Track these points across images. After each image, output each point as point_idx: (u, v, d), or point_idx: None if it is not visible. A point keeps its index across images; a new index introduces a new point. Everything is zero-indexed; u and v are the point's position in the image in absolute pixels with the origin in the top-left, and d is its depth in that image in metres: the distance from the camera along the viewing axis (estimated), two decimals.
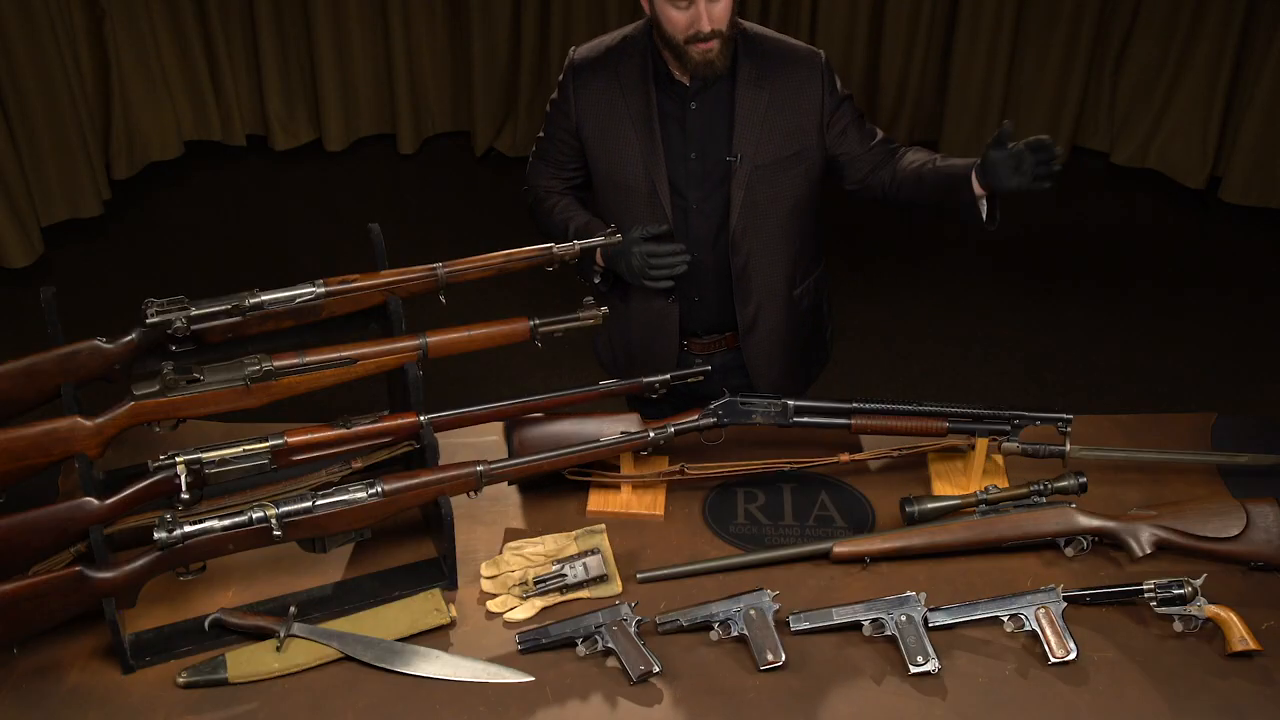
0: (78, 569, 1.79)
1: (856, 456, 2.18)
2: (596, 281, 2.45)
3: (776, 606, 1.91)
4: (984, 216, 2.22)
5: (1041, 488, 2.07)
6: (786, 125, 2.35)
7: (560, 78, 2.42)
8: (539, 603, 1.97)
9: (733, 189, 2.36)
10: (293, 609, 1.90)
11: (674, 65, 2.30)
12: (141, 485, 1.89)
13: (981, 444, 2.19)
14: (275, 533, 1.84)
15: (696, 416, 2.16)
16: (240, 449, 1.93)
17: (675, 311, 2.48)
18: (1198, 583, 1.93)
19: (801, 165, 2.39)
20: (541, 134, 2.50)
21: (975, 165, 2.18)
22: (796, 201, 2.42)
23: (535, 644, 1.88)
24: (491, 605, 1.98)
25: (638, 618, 1.89)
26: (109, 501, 1.88)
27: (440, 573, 2.02)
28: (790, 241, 2.45)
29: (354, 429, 1.98)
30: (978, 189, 2.19)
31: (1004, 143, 2.11)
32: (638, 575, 2.02)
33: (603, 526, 2.10)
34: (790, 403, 2.18)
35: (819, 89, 2.35)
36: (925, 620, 1.90)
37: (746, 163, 2.34)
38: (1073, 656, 1.87)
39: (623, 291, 2.50)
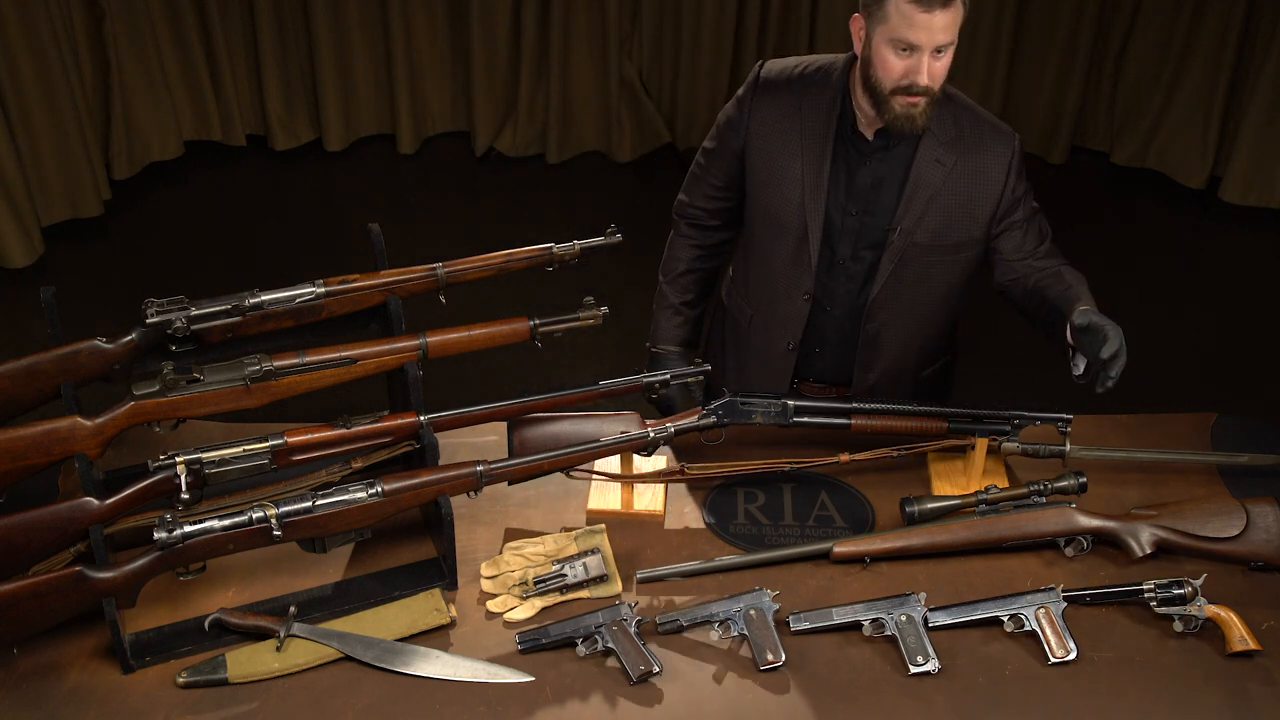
0: (78, 569, 1.78)
1: (856, 456, 2.18)
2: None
3: (776, 606, 1.91)
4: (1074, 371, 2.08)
5: (1041, 488, 2.07)
6: (958, 208, 2.22)
7: (741, 91, 2.27)
8: (539, 603, 1.97)
9: (883, 258, 2.26)
10: (293, 609, 1.90)
11: (864, 115, 2.17)
12: (141, 485, 1.89)
13: (981, 444, 2.19)
14: (275, 533, 1.84)
15: (696, 416, 2.16)
16: (240, 449, 1.93)
17: (793, 359, 2.42)
18: (1198, 583, 1.93)
19: (961, 254, 2.28)
20: (706, 143, 2.37)
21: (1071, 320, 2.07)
22: (948, 289, 2.32)
23: (535, 644, 1.88)
24: (491, 605, 1.98)
25: (638, 618, 1.89)
26: (109, 501, 1.88)
27: (440, 573, 2.02)
28: (929, 326, 2.37)
29: (354, 429, 1.98)
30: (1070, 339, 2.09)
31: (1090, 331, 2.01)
32: (638, 575, 2.02)
33: (603, 526, 2.10)
34: (790, 403, 2.18)
35: (1003, 174, 2.21)
36: (925, 620, 1.90)
37: (904, 236, 2.23)
38: (1073, 656, 1.87)
39: (747, 322, 2.44)
